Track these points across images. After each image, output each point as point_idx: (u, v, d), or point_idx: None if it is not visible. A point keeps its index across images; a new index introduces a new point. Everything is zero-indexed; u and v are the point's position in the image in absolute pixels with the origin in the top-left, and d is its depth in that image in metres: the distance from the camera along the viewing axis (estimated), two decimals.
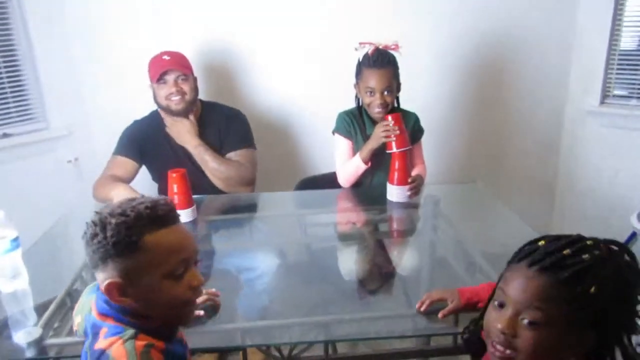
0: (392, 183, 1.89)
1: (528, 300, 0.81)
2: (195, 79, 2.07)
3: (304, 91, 2.57)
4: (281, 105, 2.59)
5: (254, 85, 2.55)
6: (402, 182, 1.88)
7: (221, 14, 2.41)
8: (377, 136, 1.89)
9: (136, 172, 2.05)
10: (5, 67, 2.30)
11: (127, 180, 2.00)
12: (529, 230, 1.69)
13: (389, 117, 1.87)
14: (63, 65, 2.41)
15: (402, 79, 1.99)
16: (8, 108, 2.34)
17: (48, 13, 2.33)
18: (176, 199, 1.72)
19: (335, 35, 2.45)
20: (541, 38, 2.57)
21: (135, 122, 2.11)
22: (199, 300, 1.23)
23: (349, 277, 1.62)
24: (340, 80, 2.09)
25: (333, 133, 2.08)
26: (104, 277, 0.86)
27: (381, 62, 1.91)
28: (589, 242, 0.84)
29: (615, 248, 0.85)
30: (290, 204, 2.16)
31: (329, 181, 2.23)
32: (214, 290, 1.30)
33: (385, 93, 1.91)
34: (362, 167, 1.97)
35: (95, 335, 0.87)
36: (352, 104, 2.07)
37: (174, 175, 1.72)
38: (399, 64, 1.96)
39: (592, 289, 0.79)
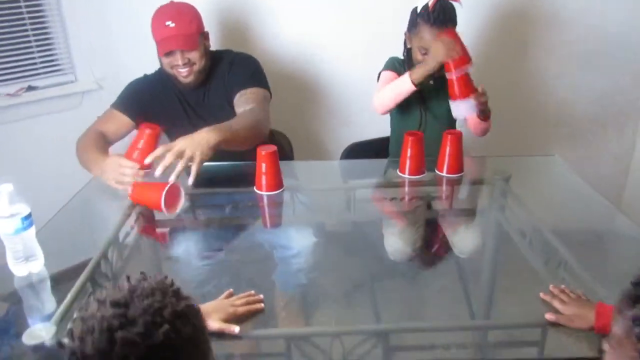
0: (454, 99, 1.69)
1: None
2: (206, 37, 1.81)
3: (332, 44, 2.34)
4: (311, 62, 2.37)
5: (272, 35, 2.32)
6: (464, 94, 1.67)
7: None
8: (438, 54, 1.64)
9: (128, 132, 1.82)
10: (28, 13, 2.11)
11: (115, 138, 1.80)
12: (610, 209, 1.57)
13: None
14: (92, 15, 2.23)
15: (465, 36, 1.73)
16: (33, 58, 2.17)
17: None
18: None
19: None
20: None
21: (146, 77, 1.88)
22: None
23: (394, 256, 1.44)
24: (382, 36, 1.91)
25: (378, 76, 1.89)
26: None
27: (442, 21, 1.68)
28: None
29: None
30: (336, 174, 1.98)
31: (377, 149, 2.07)
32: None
33: None
34: (408, 88, 1.70)
35: None
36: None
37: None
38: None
39: None
